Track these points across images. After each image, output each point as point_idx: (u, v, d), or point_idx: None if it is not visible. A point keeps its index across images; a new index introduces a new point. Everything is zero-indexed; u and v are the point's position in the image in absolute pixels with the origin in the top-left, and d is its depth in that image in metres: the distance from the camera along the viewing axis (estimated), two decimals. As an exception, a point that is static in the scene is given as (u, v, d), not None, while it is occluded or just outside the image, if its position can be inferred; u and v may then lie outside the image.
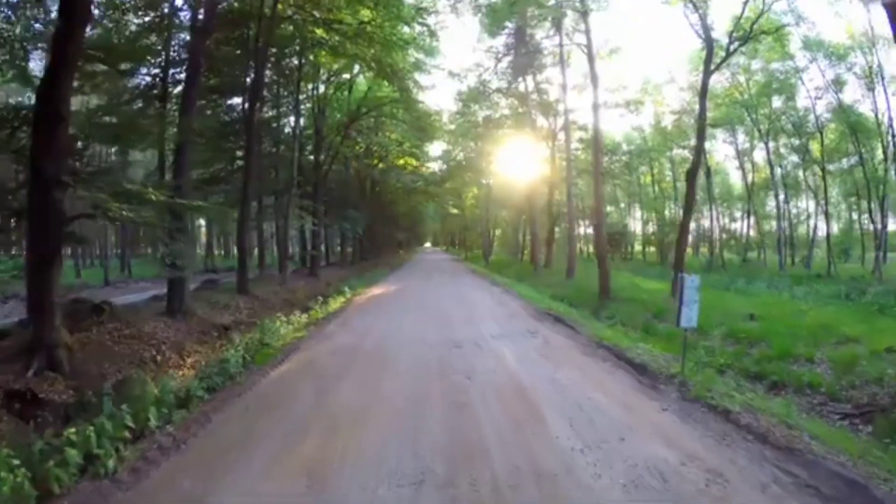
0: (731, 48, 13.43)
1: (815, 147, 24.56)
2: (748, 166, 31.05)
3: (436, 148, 34.15)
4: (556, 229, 26.78)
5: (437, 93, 60.29)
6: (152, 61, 10.93)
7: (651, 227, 40.23)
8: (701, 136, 12.94)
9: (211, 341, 8.45)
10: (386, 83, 17.70)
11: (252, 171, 12.18)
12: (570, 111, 19.59)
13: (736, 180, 35.36)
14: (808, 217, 31.57)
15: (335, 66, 17.73)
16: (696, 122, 14.28)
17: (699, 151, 13.14)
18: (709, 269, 24.77)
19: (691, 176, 12.51)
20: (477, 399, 4.83)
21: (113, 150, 13.74)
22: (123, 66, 9.47)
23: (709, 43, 12.90)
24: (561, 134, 22.91)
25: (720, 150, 32.38)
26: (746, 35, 13.10)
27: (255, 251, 19.08)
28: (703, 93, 12.98)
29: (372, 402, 4.81)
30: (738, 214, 36.48)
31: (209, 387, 5.68)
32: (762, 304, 11.32)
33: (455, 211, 49.23)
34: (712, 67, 13.07)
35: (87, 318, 8.05)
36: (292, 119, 18.06)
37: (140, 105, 10.89)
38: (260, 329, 8.06)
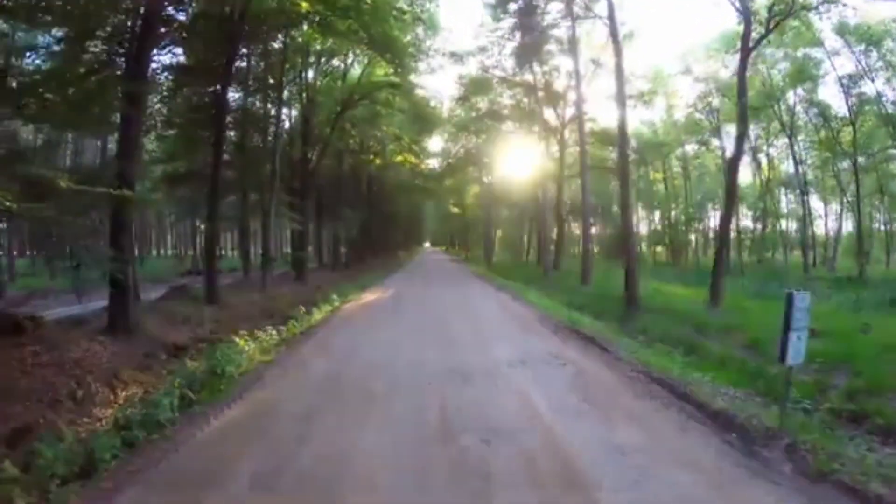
0: (771, 24, 11.81)
1: (844, 140, 22.96)
2: (763, 162, 29.54)
3: (435, 143, 32.70)
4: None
5: (438, 79, 57.95)
6: (104, 32, 9.28)
7: (657, 227, 38.75)
8: (743, 120, 11.25)
9: (157, 366, 6.81)
10: (381, 66, 16.01)
11: (221, 164, 10.54)
12: (583, 101, 17.92)
13: (745, 178, 33.75)
14: (822, 216, 30.10)
15: (324, 46, 15.99)
16: (736, 105, 12.64)
17: (741, 138, 11.49)
18: (727, 272, 23.11)
19: (732, 167, 10.91)
20: (506, 491, 3.10)
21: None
22: (59, 33, 7.82)
23: (746, 16, 11.35)
24: (570, 127, 21.34)
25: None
26: (789, 8, 11.50)
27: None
28: (742, 72, 11.36)
29: (343, 495, 3.14)
30: (745, 213, 34.81)
31: (129, 441, 4.13)
32: (813, 315, 9.70)
33: (455, 210, 47.78)
34: (750, 44, 11.48)
35: (2, 338, 6.49)
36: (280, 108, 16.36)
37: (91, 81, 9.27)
38: (215, 353, 6.34)
